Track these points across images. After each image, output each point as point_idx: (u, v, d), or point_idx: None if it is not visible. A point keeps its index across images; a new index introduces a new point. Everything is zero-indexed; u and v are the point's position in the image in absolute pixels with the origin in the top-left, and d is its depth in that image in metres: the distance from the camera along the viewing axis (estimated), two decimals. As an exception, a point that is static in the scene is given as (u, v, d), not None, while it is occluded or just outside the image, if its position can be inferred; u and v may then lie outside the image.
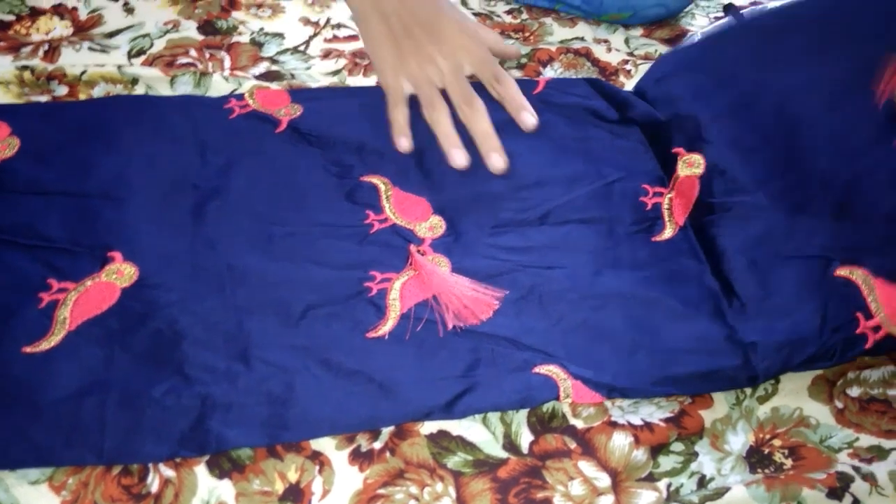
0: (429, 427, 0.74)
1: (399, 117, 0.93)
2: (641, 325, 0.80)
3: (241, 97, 0.97)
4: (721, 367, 0.77)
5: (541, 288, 0.82)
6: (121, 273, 0.78)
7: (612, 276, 0.84)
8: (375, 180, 0.90)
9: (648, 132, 0.99)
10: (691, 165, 0.91)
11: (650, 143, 0.98)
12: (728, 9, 1.14)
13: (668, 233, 0.89)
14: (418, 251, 0.83)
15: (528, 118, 0.93)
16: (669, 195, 0.92)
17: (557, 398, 0.75)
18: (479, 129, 0.91)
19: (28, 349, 0.72)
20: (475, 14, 1.18)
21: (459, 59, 0.93)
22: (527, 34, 1.16)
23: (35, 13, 1.07)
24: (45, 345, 0.73)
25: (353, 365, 0.75)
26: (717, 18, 1.22)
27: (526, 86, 1.01)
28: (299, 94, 0.99)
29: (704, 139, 0.93)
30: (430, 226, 0.87)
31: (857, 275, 0.79)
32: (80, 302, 0.76)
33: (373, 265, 0.82)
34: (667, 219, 0.90)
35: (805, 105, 0.90)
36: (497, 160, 0.90)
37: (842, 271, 0.80)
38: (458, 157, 0.90)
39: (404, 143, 0.91)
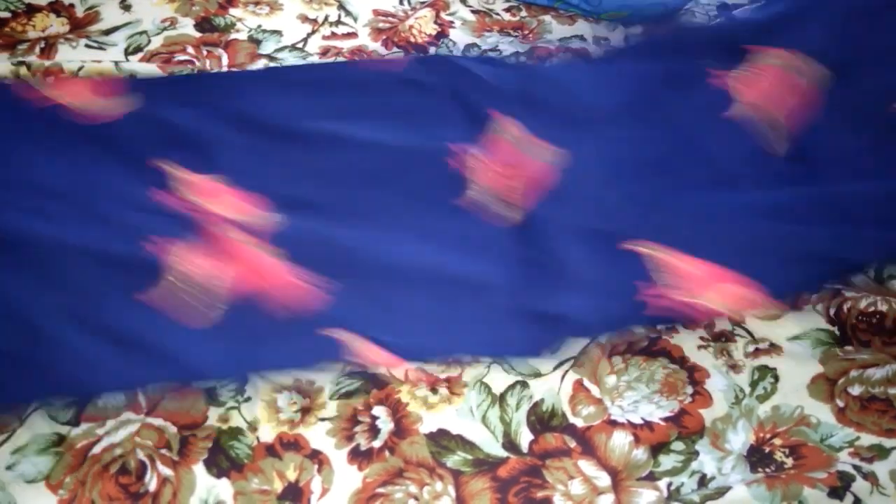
0: (428, 425, 0.73)
1: None
2: (449, 297, 0.81)
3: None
4: (513, 335, 0.79)
5: (356, 267, 0.82)
6: None
7: (424, 251, 0.85)
8: (200, 177, 0.88)
9: (473, 101, 0.99)
10: (518, 140, 0.93)
11: (461, 103, 0.98)
12: (721, 9, 1.15)
13: (484, 202, 0.90)
14: (244, 240, 0.82)
15: None
16: (487, 161, 0.92)
17: (349, 360, 0.75)
18: None
19: None
20: (474, 11, 1.17)
21: None
22: (526, 32, 1.16)
23: (32, 10, 1.06)
24: None
25: (119, 326, 0.74)
26: (715, 17, 1.21)
27: (354, 65, 1.02)
28: (129, 84, 0.96)
29: (544, 123, 0.95)
30: (255, 215, 0.86)
31: (642, 247, 0.84)
32: None
33: (154, 231, 0.81)
34: (483, 188, 0.90)
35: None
36: None
37: (628, 245, 0.84)
38: None
39: None
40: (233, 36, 1.08)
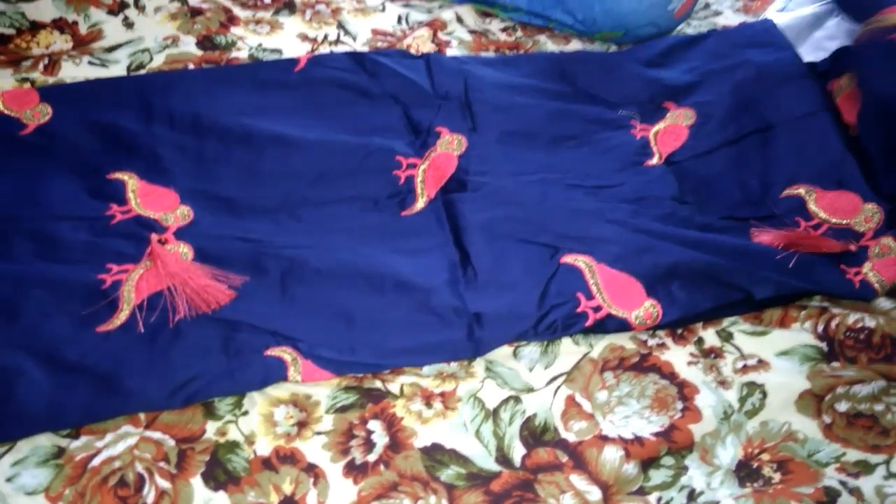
0: (422, 440, 0.75)
1: None
2: (380, 300, 0.83)
3: None
4: (447, 338, 0.81)
5: (285, 270, 0.84)
6: None
7: (358, 254, 0.87)
8: (122, 176, 0.90)
9: (407, 104, 1.03)
10: (452, 144, 0.98)
11: (408, 114, 1.01)
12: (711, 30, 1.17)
13: (419, 205, 0.93)
14: (160, 240, 0.84)
15: None
16: (423, 166, 0.95)
17: (286, 378, 0.77)
18: None
19: None
20: (470, 31, 1.19)
21: None
22: (521, 51, 1.18)
23: (35, 27, 1.08)
24: None
25: (77, 359, 0.75)
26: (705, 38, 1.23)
27: (287, 65, 1.04)
28: (50, 92, 0.98)
29: (474, 126, 1.01)
30: (177, 215, 0.88)
31: (581, 261, 0.87)
32: None
33: (111, 257, 0.82)
34: (419, 191, 0.94)
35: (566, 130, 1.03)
36: None
37: (567, 258, 0.88)
38: None
39: None
40: (234, 54, 1.09)
